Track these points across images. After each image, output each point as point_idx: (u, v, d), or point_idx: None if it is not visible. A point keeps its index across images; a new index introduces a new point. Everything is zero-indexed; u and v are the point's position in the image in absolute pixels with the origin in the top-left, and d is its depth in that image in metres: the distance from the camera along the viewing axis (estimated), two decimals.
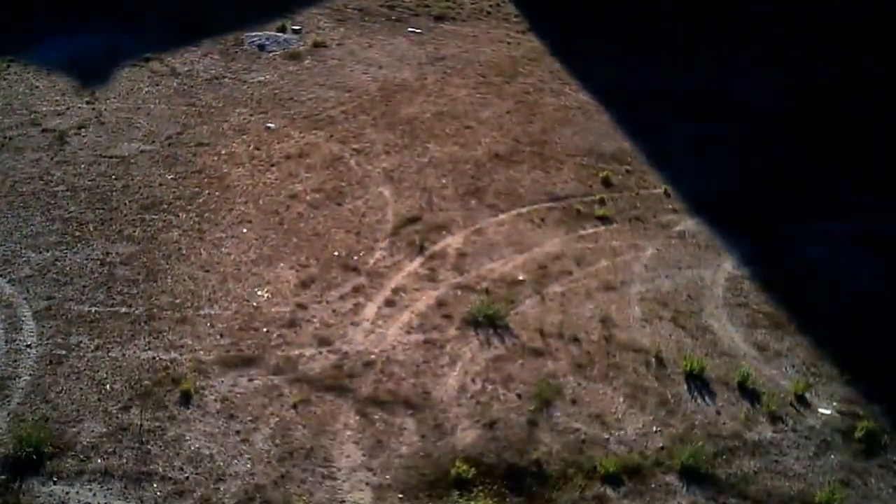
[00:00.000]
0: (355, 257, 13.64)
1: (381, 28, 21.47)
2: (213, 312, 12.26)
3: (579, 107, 18.30)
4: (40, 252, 13.20)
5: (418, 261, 13.67)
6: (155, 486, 9.76)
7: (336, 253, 13.70)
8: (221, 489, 9.78)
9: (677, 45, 20.85)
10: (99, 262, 13.05)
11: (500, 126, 17.43)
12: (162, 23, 20.60)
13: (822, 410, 11.30)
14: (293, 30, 20.92)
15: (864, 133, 17.64)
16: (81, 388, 10.89)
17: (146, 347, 11.55)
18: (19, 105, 16.90)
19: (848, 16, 21.64)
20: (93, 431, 10.31)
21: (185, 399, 10.83)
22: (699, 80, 19.32)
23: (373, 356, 11.68)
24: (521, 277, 13.44)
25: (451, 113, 17.75)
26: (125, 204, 14.40)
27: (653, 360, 11.87)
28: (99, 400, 10.76)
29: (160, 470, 9.95)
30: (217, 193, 14.86)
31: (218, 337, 11.78)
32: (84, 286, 12.57)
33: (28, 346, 11.46)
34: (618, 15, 22.13)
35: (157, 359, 11.38)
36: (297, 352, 11.66)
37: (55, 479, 9.76)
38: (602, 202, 15.27)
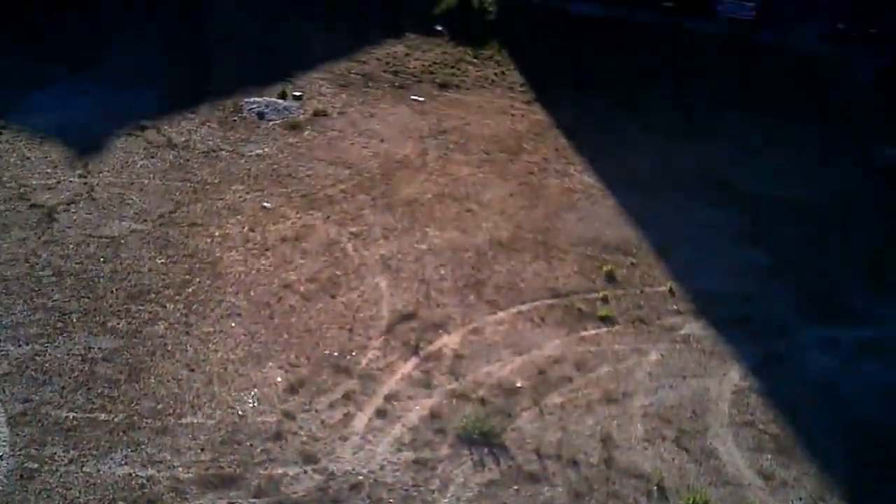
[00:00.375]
0: (347, 357, 13.14)
1: (384, 95, 21.06)
2: (195, 421, 11.74)
3: (584, 190, 17.85)
4: (20, 346, 12.72)
5: (413, 362, 13.17)
6: None
7: (327, 352, 13.21)
8: None
9: (685, 121, 20.40)
10: (80, 359, 12.56)
11: (503, 210, 16.97)
12: (162, 83, 20.18)
13: None
14: (294, 96, 20.51)
15: (879, 227, 17.16)
16: None
17: (123, 462, 11.03)
18: (9, 178, 16.46)
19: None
20: None
21: None
22: (705, 160, 18.86)
23: (360, 478, 11.15)
24: (518, 384, 12.94)
25: (453, 194, 17.30)
26: (112, 292, 13.92)
27: (654, 489, 11.33)
28: None
29: None
30: (208, 281, 14.38)
31: (199, 451, 11.26)
32: (63, 387, 12.07)
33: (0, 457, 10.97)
34: (625, 88, 21.71)
35: (134, 475, 10.85)
36: (280, 470, 11.13)
37: None
38: (605, 300, 14.78)
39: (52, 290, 13.81)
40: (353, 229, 16.04)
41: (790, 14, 23.80)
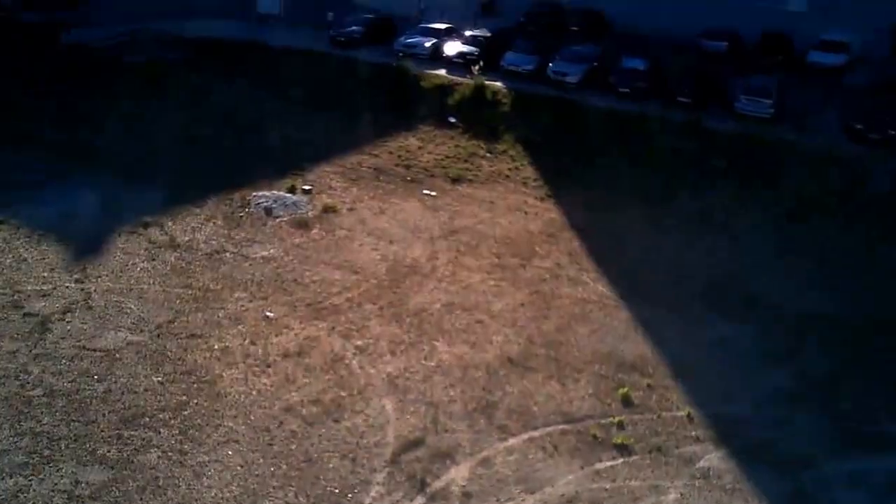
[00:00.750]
0: (349, 495, 12.42)
1: (395, 189, 20.56)
2: None
3: (597, 300, 17.18)
4: (3, 478, 12.03)
5: (418, 501, 12.44)
6: None
7: (329, 488, 12.49)
8: None
9: (701, 222, 19.82)
10: (66, 496, 11.85)
11: (514, 322, 16.32)
12: (170, 175, 19.73)
13: None
14: (304, 190, 20.02)
15: None
16: None
17: None
18: (3, 282, 15.88)
19: None
20: None
21: None
22: (724, 267, 18.22)
23: None
24: None
25: (463, 304, 16.66)
26: (104, 415, 13.25)
27: None
28: None
29: None
30: (205, 403, 13.71)
31: None
32: None
33: None
34: (642, 187, 21.18)
35: None
36: None
37: None
38: (621, 426, 14.07)
39: (42, 413, 13.15)
40: (359, 342, 15.39)
41: (807, 112, 23.39)
